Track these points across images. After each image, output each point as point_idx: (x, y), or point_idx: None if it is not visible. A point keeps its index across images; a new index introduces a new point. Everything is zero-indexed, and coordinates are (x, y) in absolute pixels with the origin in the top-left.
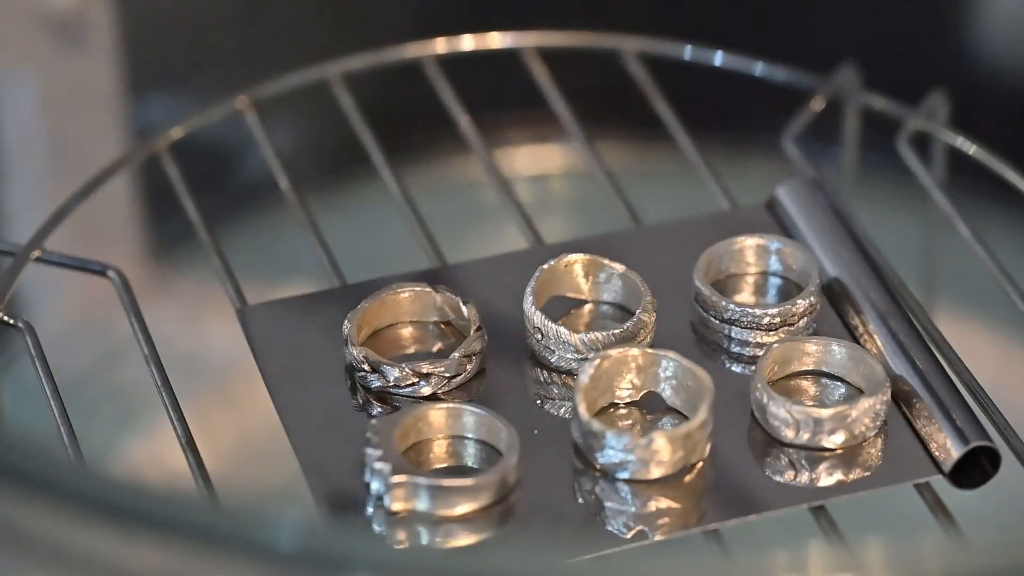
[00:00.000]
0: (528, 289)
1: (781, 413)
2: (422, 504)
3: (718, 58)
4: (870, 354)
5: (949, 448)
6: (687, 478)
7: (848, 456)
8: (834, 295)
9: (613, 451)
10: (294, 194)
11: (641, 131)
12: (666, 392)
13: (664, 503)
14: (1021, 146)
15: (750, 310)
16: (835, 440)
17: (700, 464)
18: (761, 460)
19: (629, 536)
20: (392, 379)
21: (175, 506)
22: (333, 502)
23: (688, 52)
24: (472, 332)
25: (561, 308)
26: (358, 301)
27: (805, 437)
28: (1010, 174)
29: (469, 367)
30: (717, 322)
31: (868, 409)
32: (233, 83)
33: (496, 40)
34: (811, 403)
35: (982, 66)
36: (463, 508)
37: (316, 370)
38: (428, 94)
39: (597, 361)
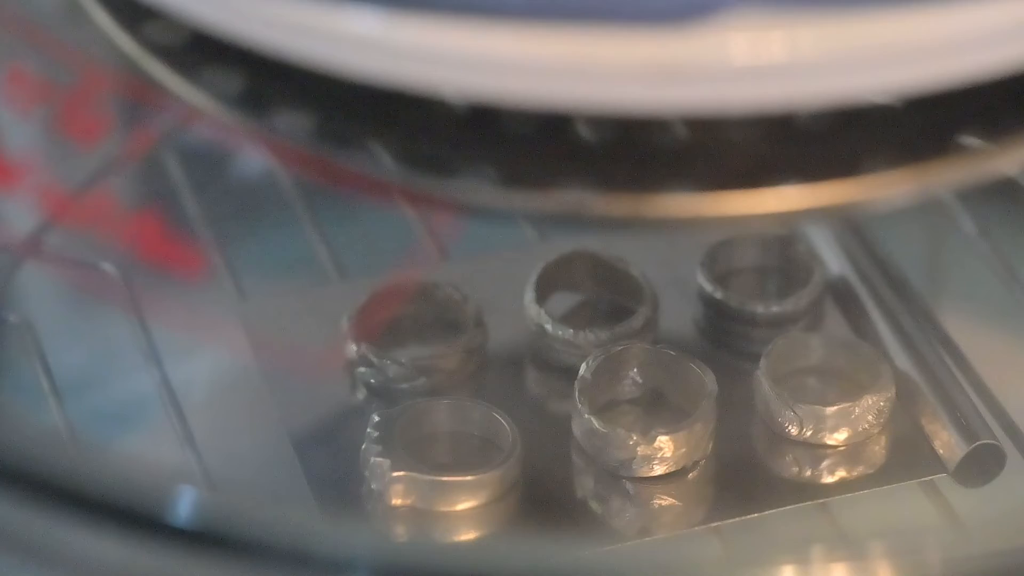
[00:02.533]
0: (530, 285)
1: (784, 409)
2: (422, 500)
3: None
4: (874, 350)
5: (953, 446)
6: (690, 475)
7: (852, 453)
8: (838, 291)
9: (615, 448)
10: (295, 189)
11: None
12: (668, 389)
13: (667, 500)
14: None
15: (753, 306)
16: (839, 437)
17: (703, 461)
18: (764, 457)
19: (631, 533)
20: (392, 374)
21: (175, 505)
22: (333, 498)
23: None
24: (473, 328)
25: (563, 304)
26: (358, 297)
27: (808, 434)
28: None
29: (470, 363)
30: (720, 318)
31: (872, 406)
32: None
33: None
34: (815, 399)
35: None
36: (464, 504)
37: (316, 366)
38: None
39: (599, 358)
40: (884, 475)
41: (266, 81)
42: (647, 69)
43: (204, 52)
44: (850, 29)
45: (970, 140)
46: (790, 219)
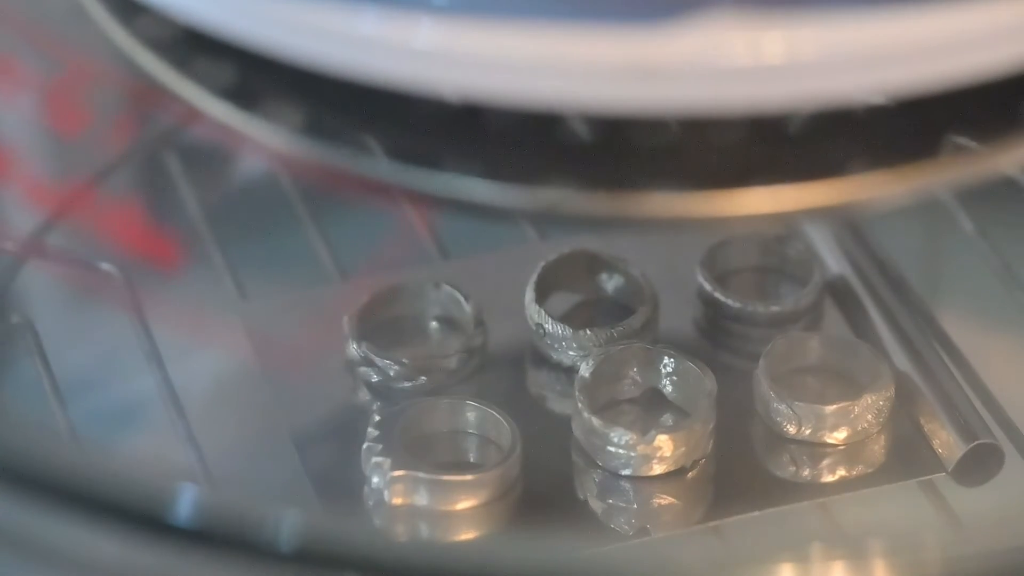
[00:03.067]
0: (530, 285)
1: (784, 408)
2: (422, 499)
3: None
4: (873, 350)
5: (952, 445)
6: (689, 475)
7: (851, 452)
8: (837, 291)
9: (615, 448)
10: (295, 189)
11: None
12: (668, 388)
13: (666, 500)
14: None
15: (753, 306)
16: (838, 436)
17: (702, 460)
18: (764, 456)
19: (631, 533)
20: (393, 374)
21: (176, 505)
22: (334, 497)
23: None
24: (473, 328)
25: (563, 304)
26: (359, 296)
27: (808, 433)
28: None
29: (470, 363)
30: (720, 318)
31: (871, 405)
32: None
33: None
34: (814, 399)
35: None
36: (464, 503)
37: (317, 365)
38: None
39: (599, 357)
40: (883, 474)
41: (258, 76)
42: (624, 68)
43: (197, 47)
44: (839, 30)
45: (966, 140)
46: (784, 219)
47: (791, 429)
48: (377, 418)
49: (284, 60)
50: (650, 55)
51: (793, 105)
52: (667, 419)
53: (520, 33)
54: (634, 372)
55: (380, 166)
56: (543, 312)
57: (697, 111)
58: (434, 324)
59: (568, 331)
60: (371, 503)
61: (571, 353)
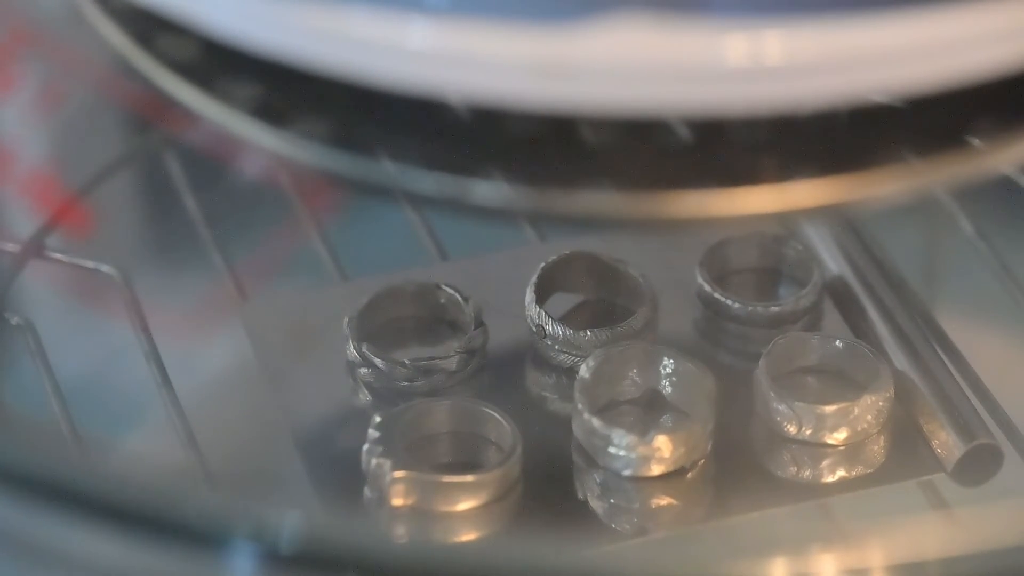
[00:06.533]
0: (530, 285)
1: (784, 409)
2: (423, 500)
3: None
4: (873, 350)
5: (951, 445)
6: (689, 475)
7: (850, 452)
8: (837, 291)
9: (614, 448)
10: (295, 189)
11: None
12: (667, 389)
13: (666, 500)
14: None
15: (753, 306)
16: (838, 436)
17: (702, 461)
18: (763, 456)
19: (631, 533)
20: (393, 375)
21: (176, 505)
22: (334, 498)
23: None
24: (473, 328)
25: (563, 305)
26: (359, 297)
27: (808, 433)
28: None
29: (470, 363)
30: (719, 318)
31: (871, 405)
32: None
33: None
34: (814, 399)
35: None
36: (465, 504)
37: (317, 366)
38: None
39: (599, 358)
40: (883, 474)
41: (280, 94)
42: (532, 66)
43: (219, 65)
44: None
45: (966, 139)
46: (784, 219)
47: (791, 429)
48: (377, 419)
49: (306, 72)
50: (559, 55)
51: (716, 109)
52: (667, 420)
53: (450, 28)
54: (634, 373)
55: (404, 179)
56: (543, 313)
57: (612, 111)
58: (434, 325)
59: (568, 332)
60: (371, 504)
61: (571, 354)
